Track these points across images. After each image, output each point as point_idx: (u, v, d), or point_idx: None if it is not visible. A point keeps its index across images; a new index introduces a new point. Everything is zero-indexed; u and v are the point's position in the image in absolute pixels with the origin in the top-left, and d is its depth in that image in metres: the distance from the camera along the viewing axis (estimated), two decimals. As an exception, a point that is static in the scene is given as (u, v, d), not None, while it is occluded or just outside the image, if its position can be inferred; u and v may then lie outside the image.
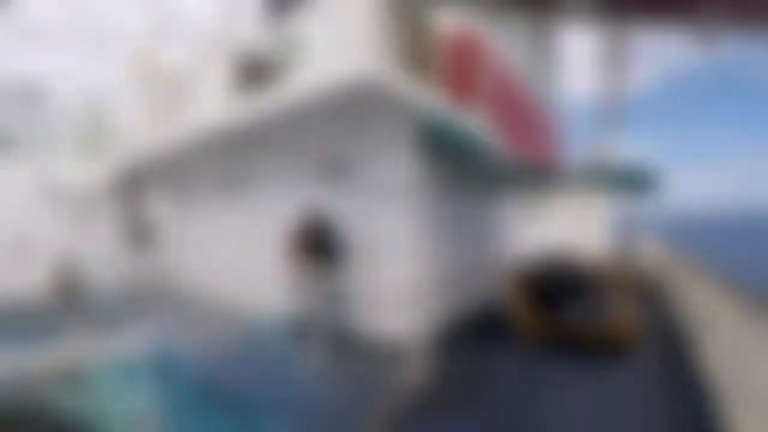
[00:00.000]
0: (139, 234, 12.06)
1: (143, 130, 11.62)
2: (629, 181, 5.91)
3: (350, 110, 5.64)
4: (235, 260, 6.33)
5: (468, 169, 7.30)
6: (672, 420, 3.66)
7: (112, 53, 12.04)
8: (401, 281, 4.48)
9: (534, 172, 7.57)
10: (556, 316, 5.92)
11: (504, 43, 10.24)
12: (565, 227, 17.69)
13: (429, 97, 5.98)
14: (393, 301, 4.89)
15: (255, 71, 8.08)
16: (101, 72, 11.92)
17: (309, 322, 5.56)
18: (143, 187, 13.30)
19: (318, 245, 5.74)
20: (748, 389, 2.96)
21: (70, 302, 7.42)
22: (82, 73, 11.47)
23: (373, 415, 3.41)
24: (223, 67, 7.52)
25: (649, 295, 9.39)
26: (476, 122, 7.51)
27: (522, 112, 12.06)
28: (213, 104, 7.57)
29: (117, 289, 9.93)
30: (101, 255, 10.03)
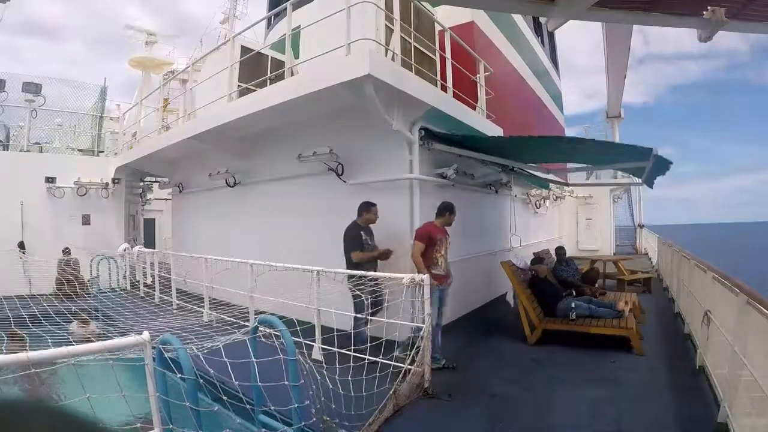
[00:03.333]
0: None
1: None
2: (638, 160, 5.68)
3: (352, 107, 5.62)
4: (238, 256, 6.34)
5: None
6: (674, 415, 3.65)
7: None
8: (404, 276, 4.47)
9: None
10: (558, 313, 5.91)
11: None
12: (569, 225, 17.67)
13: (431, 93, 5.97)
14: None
15: (257, 68, 8.09)
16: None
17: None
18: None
19: None
20: (747, 382, 2.94)
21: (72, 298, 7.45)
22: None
23: (380, 406, 3.40)
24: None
25: (652, 290, 9.37)
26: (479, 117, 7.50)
27: (525, 106, 12.02)
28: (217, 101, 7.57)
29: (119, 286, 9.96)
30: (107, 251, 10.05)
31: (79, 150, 12.72)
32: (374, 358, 4.03)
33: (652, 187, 7.22)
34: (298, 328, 4.04)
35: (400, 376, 3.73)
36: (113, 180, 11.46)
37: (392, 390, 3.55)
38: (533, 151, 7.24)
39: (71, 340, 5.54)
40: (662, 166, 5.46)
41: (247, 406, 3.20)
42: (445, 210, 5.27)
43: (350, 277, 4.91)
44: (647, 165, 5.39)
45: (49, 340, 4.17)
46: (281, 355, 2.98)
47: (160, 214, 17.21)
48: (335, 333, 4.62)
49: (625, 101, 20.63)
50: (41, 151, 12.09)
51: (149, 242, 15.15)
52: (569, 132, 18.86)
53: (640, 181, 7.60)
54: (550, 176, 9.33)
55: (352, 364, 3.72)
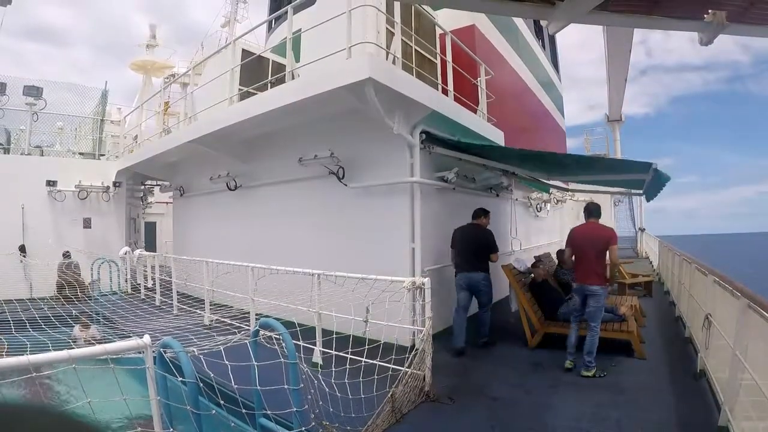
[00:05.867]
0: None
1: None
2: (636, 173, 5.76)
3: (353, 110, 5.63)
4: (240, 259, 6.34)
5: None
6: (675, 419, 3.64)
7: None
8: (405, 279, 4.46)
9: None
10: (559, 316, 5.89)
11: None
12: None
13: (431, 97, 5.97)
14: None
15: (258, 72, 8.11)
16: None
17: None
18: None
19: None
20: (748, 385, 2.93)
21: (73, 301, 7.44)
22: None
23: (378, 410, 3.39)
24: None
25: (653, 293, 9.35)
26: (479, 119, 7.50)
27: (526, 109, 12.03)
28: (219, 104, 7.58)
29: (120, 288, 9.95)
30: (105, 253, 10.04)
31: (80, 153, 12.74)
32: (373, 361, 4.02)
33: (650, 200, 7.25)
34: (298, 329, 4.04)
35: (398, 379, 3.71)
36: (114, 183, 11.48)
37: (390, 393, 3.54)
38: (534, 161, 7.28)
39: (71, 343, 5.55)
40: (661, 181, 5.51)
41: (245, 411, 3.18)
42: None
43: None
44: (647, 178, 5.42)
45: (50, 344, 4.16)
46: (282, 359, 2.97)
47: (161, 217, 17.22)
48: (334, 335, 4.61)
49: (626, 113, 20.76)
50: (42, 155, 12.11)
51: (150, 245, 15.15)
52: (570, 142, 18.90)
53: (640, 191, 7.62)
54: (551, 181, 9.34)
55: (349, 367, 3.71)
